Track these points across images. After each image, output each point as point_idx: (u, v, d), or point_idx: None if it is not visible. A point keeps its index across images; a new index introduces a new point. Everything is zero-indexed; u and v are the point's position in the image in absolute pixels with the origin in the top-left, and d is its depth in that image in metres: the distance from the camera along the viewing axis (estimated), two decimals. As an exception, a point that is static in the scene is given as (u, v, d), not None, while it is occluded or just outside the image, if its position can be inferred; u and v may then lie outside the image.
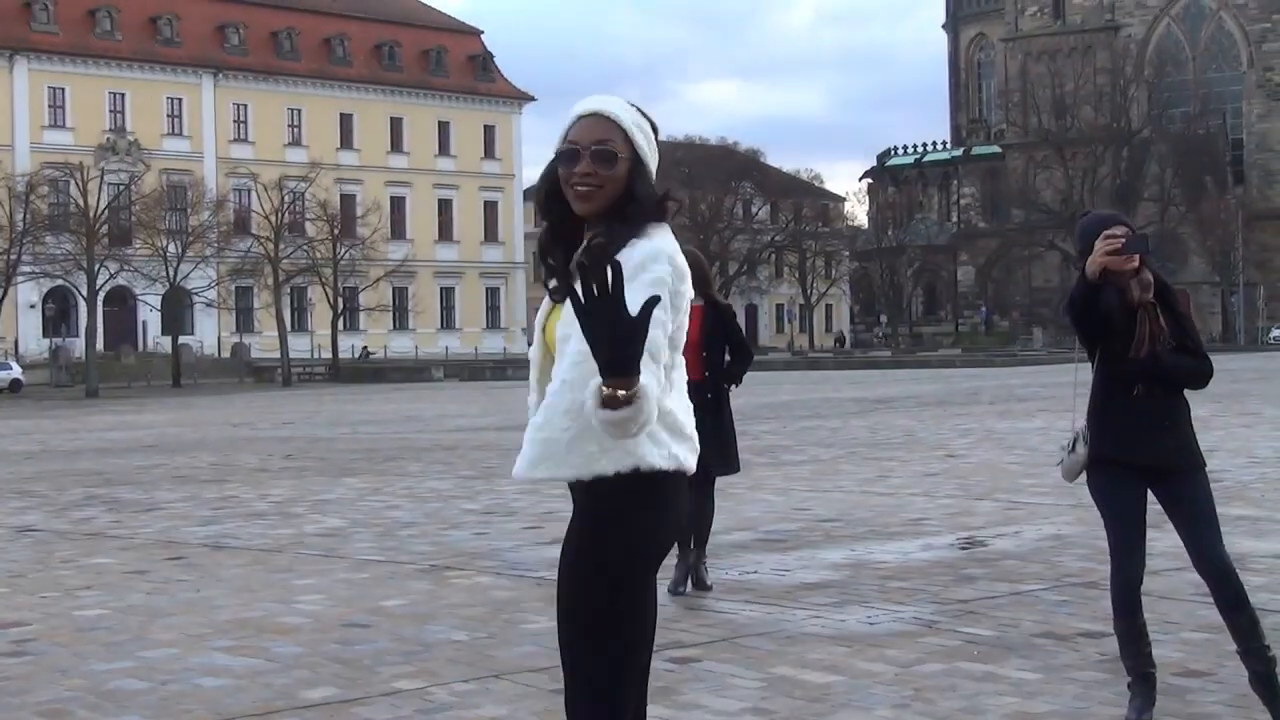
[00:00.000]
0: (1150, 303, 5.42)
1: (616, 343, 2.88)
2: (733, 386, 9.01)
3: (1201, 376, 5.47)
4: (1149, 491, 5.49)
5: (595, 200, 3.20)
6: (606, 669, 3.21)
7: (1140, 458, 5.40)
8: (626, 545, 3.20)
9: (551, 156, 3.27)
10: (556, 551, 10.06)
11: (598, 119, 3.24)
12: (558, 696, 6.13)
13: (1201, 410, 5.60)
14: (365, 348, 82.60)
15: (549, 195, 3.30)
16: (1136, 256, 5.32)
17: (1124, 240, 5.26)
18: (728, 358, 8.95)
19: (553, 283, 3.27)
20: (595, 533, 3.22)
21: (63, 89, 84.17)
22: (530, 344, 3.40)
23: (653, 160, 3.28)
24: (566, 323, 3.12)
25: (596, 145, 3.19)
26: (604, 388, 2.93)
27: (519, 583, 9.19)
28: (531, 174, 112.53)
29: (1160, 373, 5.36)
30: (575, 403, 3.08)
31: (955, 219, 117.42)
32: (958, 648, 6.88)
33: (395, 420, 32.74)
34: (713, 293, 9.02)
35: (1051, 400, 30.34)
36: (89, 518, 13.83)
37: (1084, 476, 5.58)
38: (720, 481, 9.13)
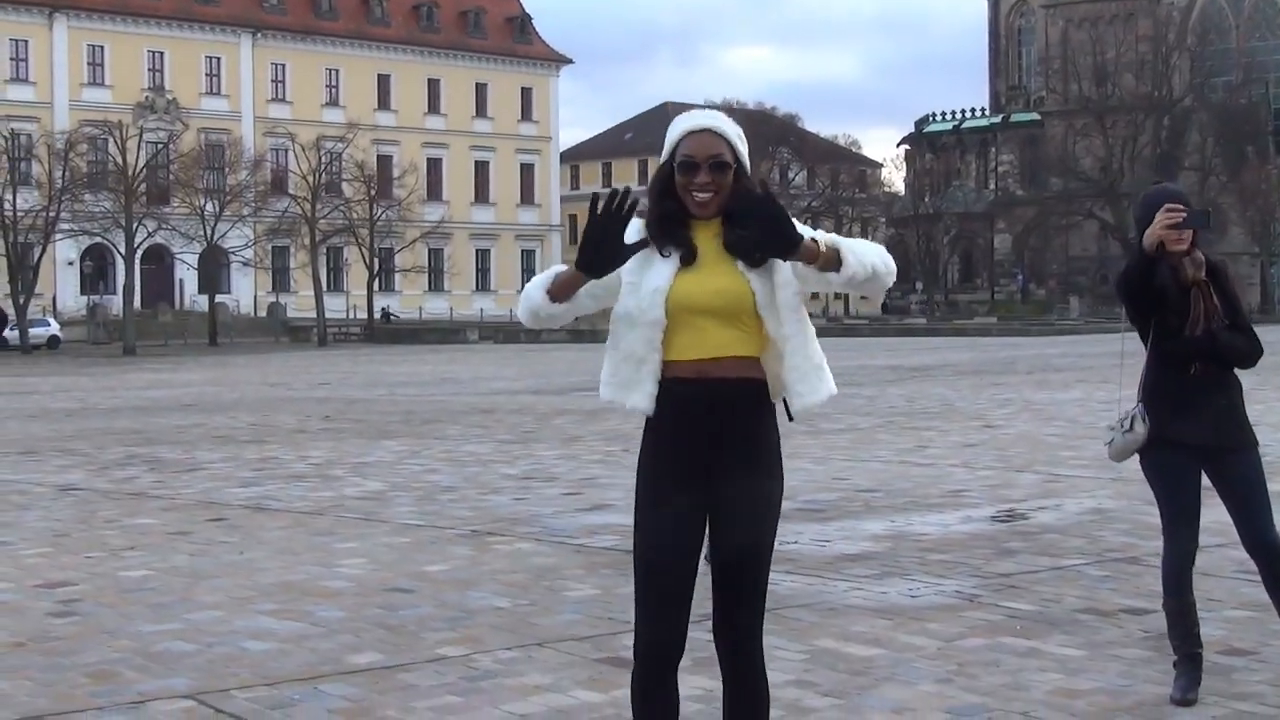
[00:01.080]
0: (1204, 281, 5.40)
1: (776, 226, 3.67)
2: None
3: (1254, 356, 5.46)
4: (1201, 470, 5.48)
5: (713, 205, 3.83)
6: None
7: (1196, 436, 5.39)
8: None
9: (662, 163, 3.91)
10: (596, 518, 10.06)
11: (709, 134, 3.84)
12: (601, 665, 6.18)
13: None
14: (385, 310, 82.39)
15: (662, 194, 3.90)
16: (1190, 234, 5.30)
17: (1185, 214, 5.25)
18: None
19: (670, 252, 3.84)
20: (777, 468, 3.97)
21: (102, 47, 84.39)
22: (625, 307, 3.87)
23: (747, 162, 3.89)
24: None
25: (712, 158, 3.80)
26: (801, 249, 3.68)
27: (559, 549, 9.22)
28: (568, 136, 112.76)
29: (1216, 351, 5.34)
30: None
31: (993, 186, 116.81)
32: (1000, 622, 6.87)
33: (432, 382, 32.83)
34: None
35: (1089, 371, 30.24)
36: (131, 477, 13.92)
37: (1134, 456, 5.56)
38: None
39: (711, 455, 3.82)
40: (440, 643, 6.59)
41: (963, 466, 13.63)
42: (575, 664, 6.18)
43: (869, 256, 3.81)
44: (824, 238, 3.77)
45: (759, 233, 3.67)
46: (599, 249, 3.74)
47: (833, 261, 3.73)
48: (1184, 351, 5.34)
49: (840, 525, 10.07)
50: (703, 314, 3.78)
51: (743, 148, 3.87)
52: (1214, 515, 5.86)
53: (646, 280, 3.82)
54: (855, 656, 6.25)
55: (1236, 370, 5.47)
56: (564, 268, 3.86)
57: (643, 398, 3.83)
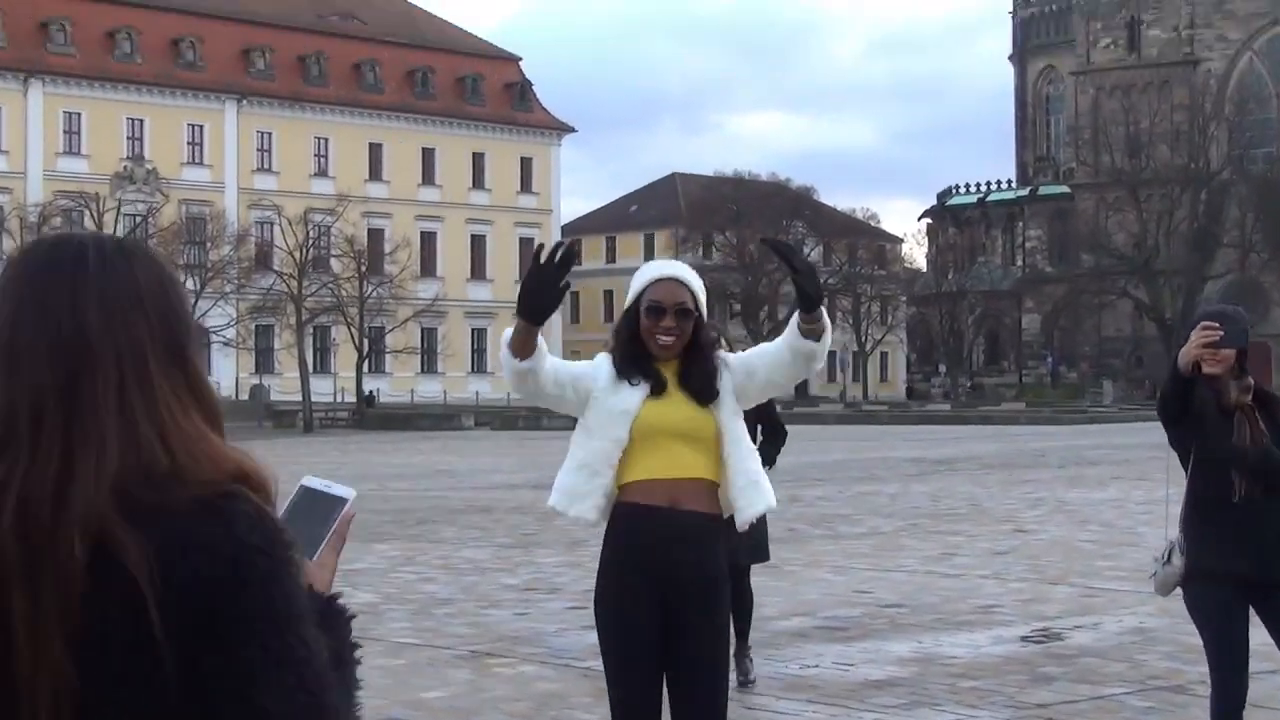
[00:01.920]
0: (1249, 406, 5.42)
1: (818, 282, 4.63)
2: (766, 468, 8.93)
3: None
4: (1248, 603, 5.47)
5: (675, 346, 4.60)
6: None
7: (1241, 569, 5.38)
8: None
9: (629, 306, 4.68)
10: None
11: (674, 283, 4.62)
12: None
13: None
14: (371, 393, 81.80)
15: (630, 337, 4.64)
16: (1230, 354, 5.31)
17: (1222, 332, 5.26)
18: (760, 437, 8.89)
19: (638, 381, 4.60)
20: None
21: (79, 114, 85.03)
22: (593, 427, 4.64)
23: (705, 311, 4.69)
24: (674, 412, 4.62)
25: (678, 305, 4.57)
26: (809, 322, 4.53)
27: (565, 673, 9.21)
28: (570, 208, 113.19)
29: (1267, 467, 5.31)
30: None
31: (1020, 263, 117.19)
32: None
33: (426, 475, 32.82)
34: None
35: (1124, 465, 30.21)
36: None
37: (1179, 590, 5.57)
38: (777, 557, 9.15)
39: (670, 592, 4.54)
40: (441, 784, 6.58)
41: (993, 578, 13.62)
42: (585, 810, 6.16)
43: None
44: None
45: (804, 276, 4.54)
46: (537, 297, 4.41)
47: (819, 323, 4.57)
48: (1230, 461, 5.31)
49: (864, 646, 10.06)
50: (673, 437, 4.52)
51: (703, 297, 4.67)
52: (1262, 637, 5.76)
53: (615, 402, 4.54)
54: (884, 802, 6.23)
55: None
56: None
57: (590, 508, 4.58)
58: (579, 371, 4.74)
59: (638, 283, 4.68)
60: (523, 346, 4.55)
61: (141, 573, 1.56)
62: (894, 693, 8.51)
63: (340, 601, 1.86)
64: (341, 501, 2.03)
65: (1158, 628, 10.48)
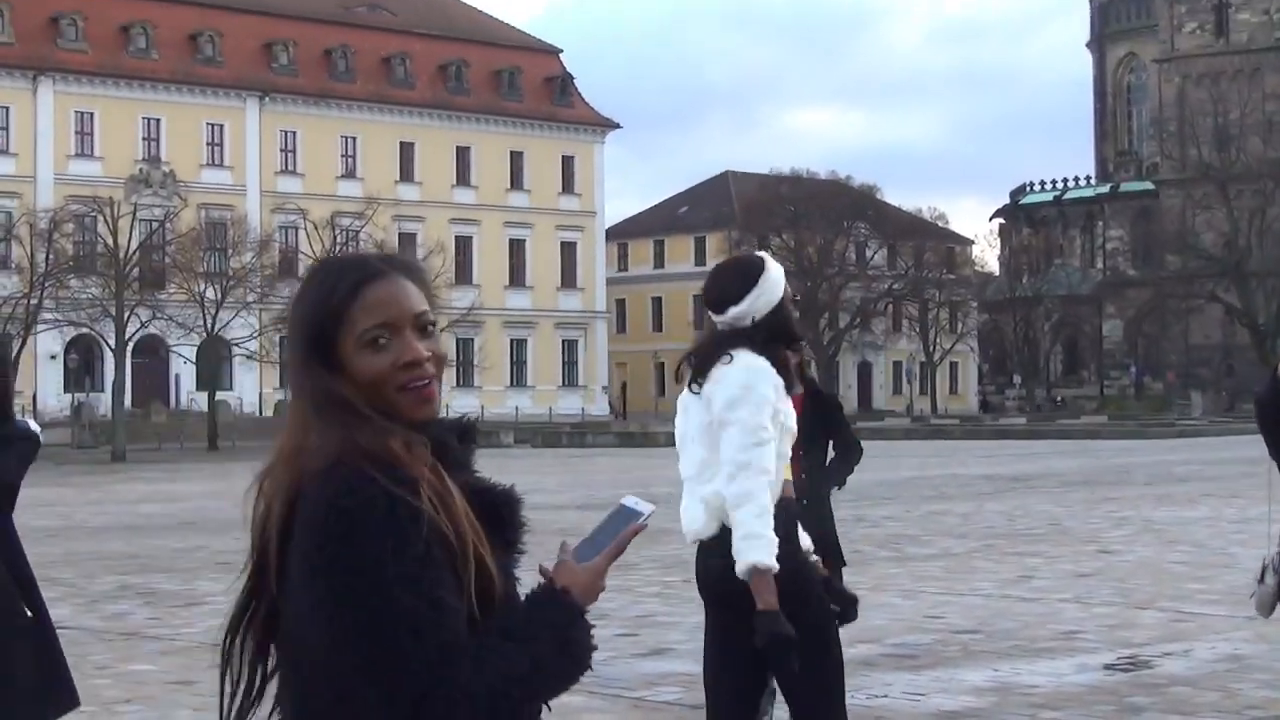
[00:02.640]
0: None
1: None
2: (835, 489, 8.91)
3: None
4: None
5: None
6: None
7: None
8: None
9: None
10: (655, 665, 10.06)
11: None
12: None
13: None
14: None
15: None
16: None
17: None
18: (831, 453, 8.84)
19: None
20: None
21: (91, 114, 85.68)
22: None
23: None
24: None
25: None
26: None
27: (615, 704, 9.20)
28: (615, 210, 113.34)
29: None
30: None
31: (1101, 265, 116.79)
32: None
33: (461, 495, 32.78)
34: (813, 378, 9.02)
35: (1216, 482, 30.01)
36: (124, 613, 13.99)
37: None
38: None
39: None
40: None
41: (1075, 602, 13.54)
42: None
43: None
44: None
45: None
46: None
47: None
48: None
49: (935, 675, 10.02)
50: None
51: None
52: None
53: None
54: (960, 840, 6.20)
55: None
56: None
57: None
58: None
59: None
60: None
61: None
62: (969, 724, 8.46)
63: (571, 598, 2.45)
64: (637, 515, 2.52)
65: (1254, 654, 10.40)
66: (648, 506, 2.52)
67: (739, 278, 5.04)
